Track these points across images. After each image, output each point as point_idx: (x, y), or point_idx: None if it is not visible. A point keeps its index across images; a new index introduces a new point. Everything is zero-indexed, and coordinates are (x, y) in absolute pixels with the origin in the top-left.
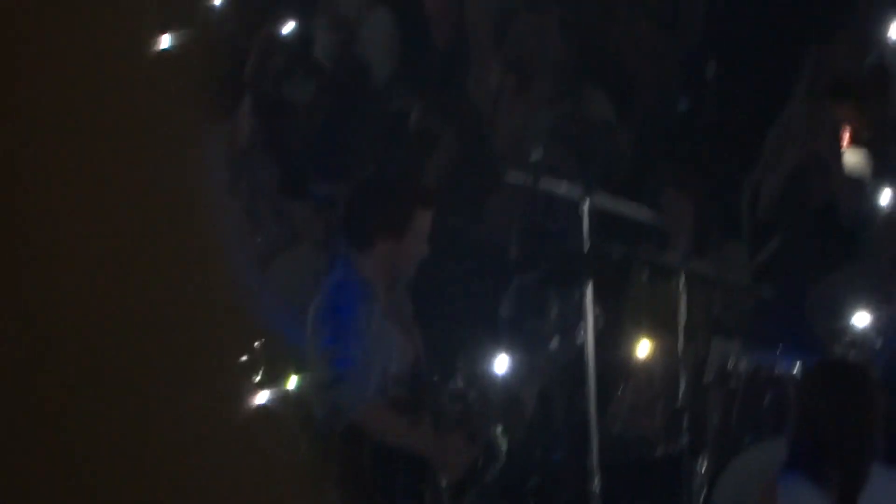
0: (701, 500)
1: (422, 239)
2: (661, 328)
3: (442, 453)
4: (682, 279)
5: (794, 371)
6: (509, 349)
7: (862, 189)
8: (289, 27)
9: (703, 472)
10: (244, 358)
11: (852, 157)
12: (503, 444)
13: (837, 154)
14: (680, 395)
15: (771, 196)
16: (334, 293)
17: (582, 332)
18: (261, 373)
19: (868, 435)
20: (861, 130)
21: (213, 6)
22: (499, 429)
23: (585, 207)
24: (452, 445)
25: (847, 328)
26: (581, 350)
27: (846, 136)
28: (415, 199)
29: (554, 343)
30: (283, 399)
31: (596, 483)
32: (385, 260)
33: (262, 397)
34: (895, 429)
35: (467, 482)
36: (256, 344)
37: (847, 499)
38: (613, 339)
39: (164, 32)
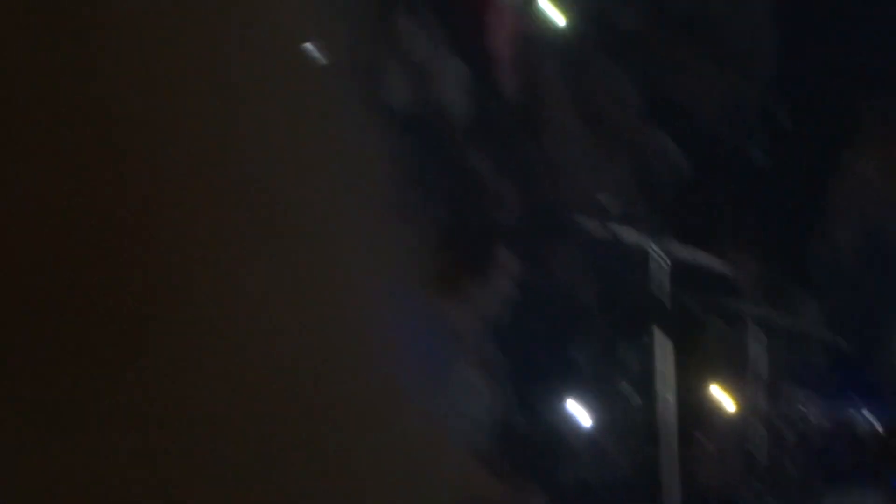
0: None
1: (506, 280)
2: (735, 377)
3: None
4: (755, 328)
5: (872, 422)
6: (585, 397)
7: None
8: None
9: None
10: None
11: None
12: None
13: None
14: (757, 445)
15: (847, 247)
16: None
17: (657, 381)
18: None
19: None
20: None
21: None
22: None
23: (658, 255)
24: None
25: None
26: (656, 399)
27: None
28: (497, 241)
29: (628, 391)
30: None
31: None
32: (472, 304)
33: None
34: None
35: None
36: None
37: None
38: (688, 388)
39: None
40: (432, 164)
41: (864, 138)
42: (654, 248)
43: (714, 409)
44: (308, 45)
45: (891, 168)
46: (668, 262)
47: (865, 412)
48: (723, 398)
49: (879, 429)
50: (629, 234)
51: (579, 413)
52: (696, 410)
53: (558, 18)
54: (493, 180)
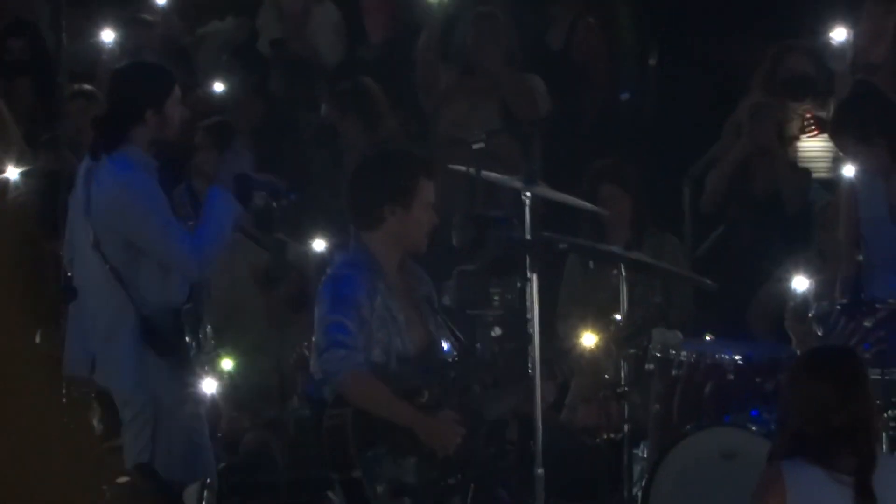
0: (643, 486)
1: (427, 206)
2: (603, 318)
3: (435, 427)
4: (623, 269)
5: (738, 360)
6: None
7: (806, 180)
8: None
9: (644, 458)
10: None
11: (797, 151)
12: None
13: (783, 147)
14: (622, 383)
15: (716, 188)
16: (342, 267)
17: (526, 322)
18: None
19: (874, 419)
20: (808, 126)
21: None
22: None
23: (528, 198)
24: (445, 421)
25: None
26: (525, 339)
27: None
28: (418, 171)
29: (496, 332)
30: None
31: (540, 469)
32: (397, 232)
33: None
34: None
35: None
36: None
37: (863, 483)
38: (555, 329)
39: None
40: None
41: (751, 83)
42: (524, 190)
43: (584, 349)
44: None
45: (767, 113)
46: (538, 202)
47: (730, 350)
48: (589, 337)
49: (742, 365)
50: (498, 175)
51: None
52: (566, 351)
53: None
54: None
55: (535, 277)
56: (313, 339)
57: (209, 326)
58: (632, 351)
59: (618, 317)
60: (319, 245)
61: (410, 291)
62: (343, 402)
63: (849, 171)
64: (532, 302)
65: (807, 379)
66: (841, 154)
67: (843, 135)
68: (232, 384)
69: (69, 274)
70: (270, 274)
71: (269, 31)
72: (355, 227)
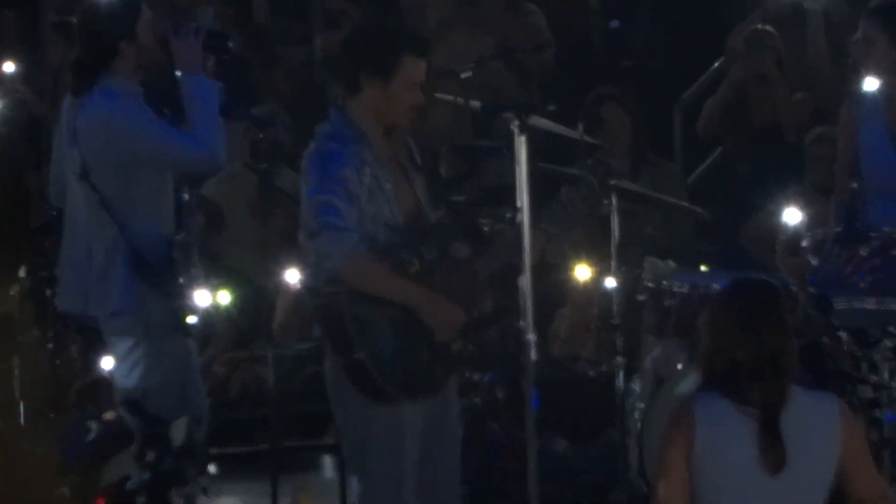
0: (636, 417)
1: (410, 84)
2: (596, 247)
3: (439, 308)
4: (615, 198)
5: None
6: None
7: (806, 109)
8: None
9: (638, 391)
10: None
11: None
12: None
13: (780, 74)
14: (614, 314)
15: (712, 113)
16: (326, 141)
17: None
18: None
19: (785, 354)
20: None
21: None
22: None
23: (517, 126)
24: (445, 303)
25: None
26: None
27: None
28: (403, 46)
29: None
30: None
31: (532, 401)
32: (376, 104)
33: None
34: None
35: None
36: None
37: (768, 420)
38: (550, 259)
39: None
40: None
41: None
42: (517, 123)
43: (577, 281)
44: None
45: (757, 39)
46: (532, 132)
47: (723, 281)
48: (582, 270)
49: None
50: (494, 108)
51: None
52: (560, 282)
53: None
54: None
55: (526, 208)
56: (301, 221)
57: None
58: (622, 281)
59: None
60: None
61: (396, 156)
62: (337, 281)
63: (871, 84)
64: (524, 233)
65: (715, 310)
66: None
67: (875, 34)
68: (226, 317)
69: (54, 213)
70: (261, 205)
71: None
72: (340, 95)
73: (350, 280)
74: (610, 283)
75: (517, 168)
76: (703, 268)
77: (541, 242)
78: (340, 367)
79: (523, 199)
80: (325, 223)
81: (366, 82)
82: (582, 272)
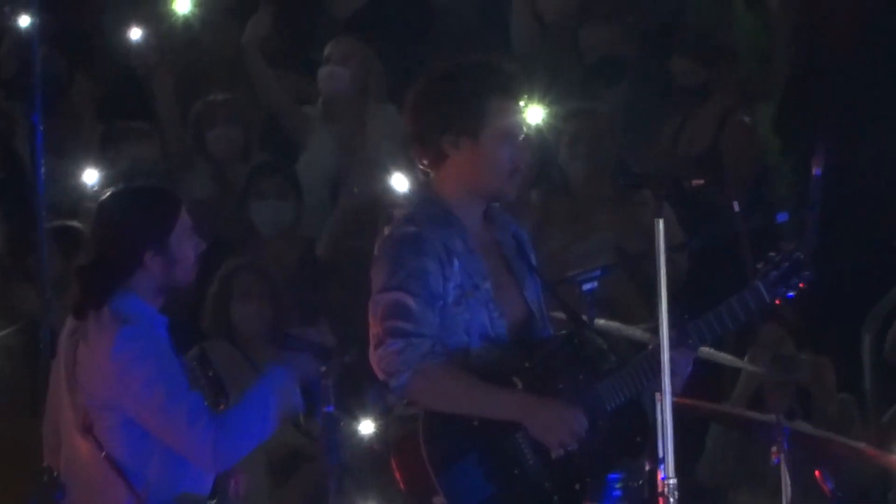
0: None
1: (505, 135)
2: None
3: (549, 412)
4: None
5: None
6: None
7: None
8: None
9: None
10: None
11: None
12: None
13: None
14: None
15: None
16: (404, 224)
17: None
18: None
19: None
20: None
21: None
22: None
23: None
24: (559, 406)
25: None
26: None
27: None
28: (487, 87)
29: None
30: None
31: None
32: (466, 172)
33: None
34: None
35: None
36: None
37: None
38: None
39: None
40: None
41: None
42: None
43: None
44: None
45: None
46: None
47: None
48: None
49: None
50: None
51: None
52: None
53: None
54: None
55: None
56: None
57: None
58: None
59: None
60: None
61: (499, 248)
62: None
63: None
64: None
65: None
66: None
67: None
68: None
69: (55, 473)
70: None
71: None
72: (421, 168)
73: (419, 398)
74: None
75: None
76: None
77: None
78: None
79: None
80: (392, 329)
81: (449, 146)
82: None
